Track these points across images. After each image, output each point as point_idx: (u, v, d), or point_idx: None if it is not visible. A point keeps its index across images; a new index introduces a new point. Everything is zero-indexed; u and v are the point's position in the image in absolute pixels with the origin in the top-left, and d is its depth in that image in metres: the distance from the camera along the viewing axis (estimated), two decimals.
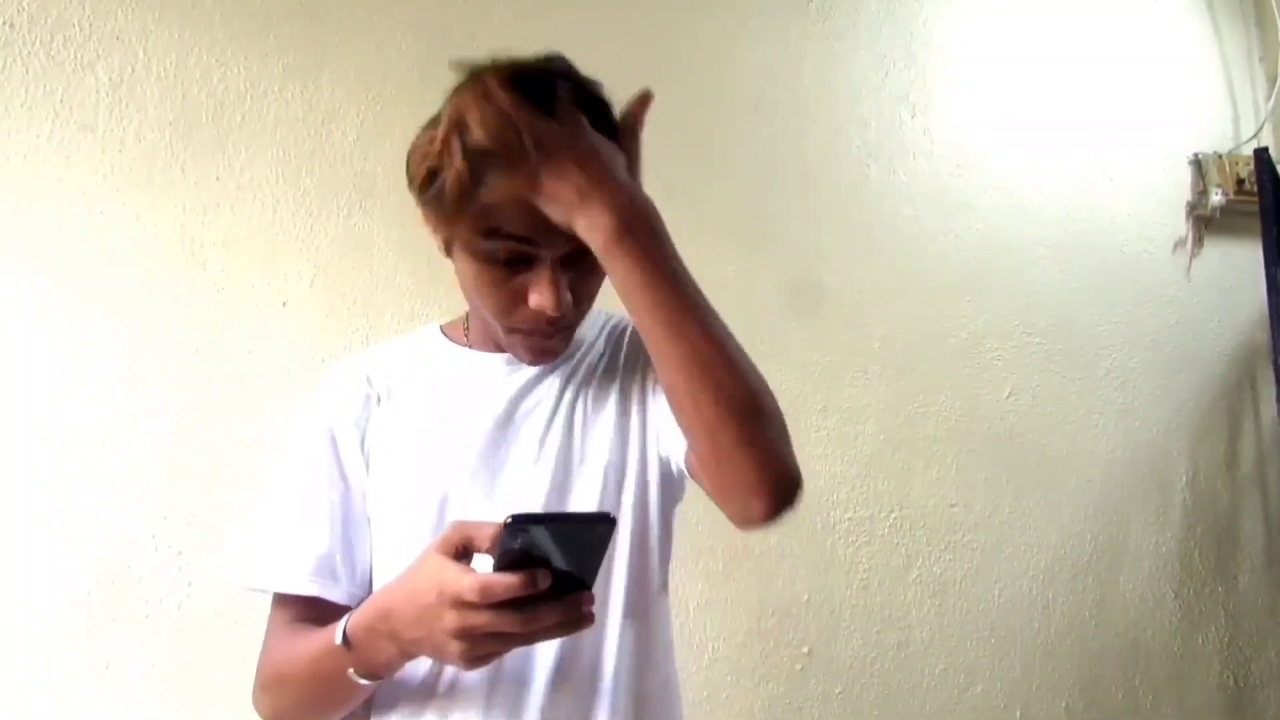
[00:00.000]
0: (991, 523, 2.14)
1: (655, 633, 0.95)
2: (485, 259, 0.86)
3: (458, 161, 0.80)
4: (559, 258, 0.85)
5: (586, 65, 0.88)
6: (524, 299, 0.87)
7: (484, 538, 0.73)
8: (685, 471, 0.92)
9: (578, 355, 1.00)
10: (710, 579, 1.83)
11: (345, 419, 0.98)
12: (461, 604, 0.71)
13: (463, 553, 0.76)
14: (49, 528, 1.48)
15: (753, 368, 0.82)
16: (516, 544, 0.68)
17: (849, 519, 1.99)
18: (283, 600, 0.95)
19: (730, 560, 1.88)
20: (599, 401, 0.97)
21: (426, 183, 0.85)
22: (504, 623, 0.71)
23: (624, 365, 1.00)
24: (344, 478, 0.96)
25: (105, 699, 1.47)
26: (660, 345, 0.81)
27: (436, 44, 1.76)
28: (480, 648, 0.74)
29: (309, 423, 1.00)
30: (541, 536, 0.69)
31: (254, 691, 0.95)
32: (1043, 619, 2.16)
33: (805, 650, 1.91)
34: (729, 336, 0.82)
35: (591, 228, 0.79)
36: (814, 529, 1.95)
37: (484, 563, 0.73)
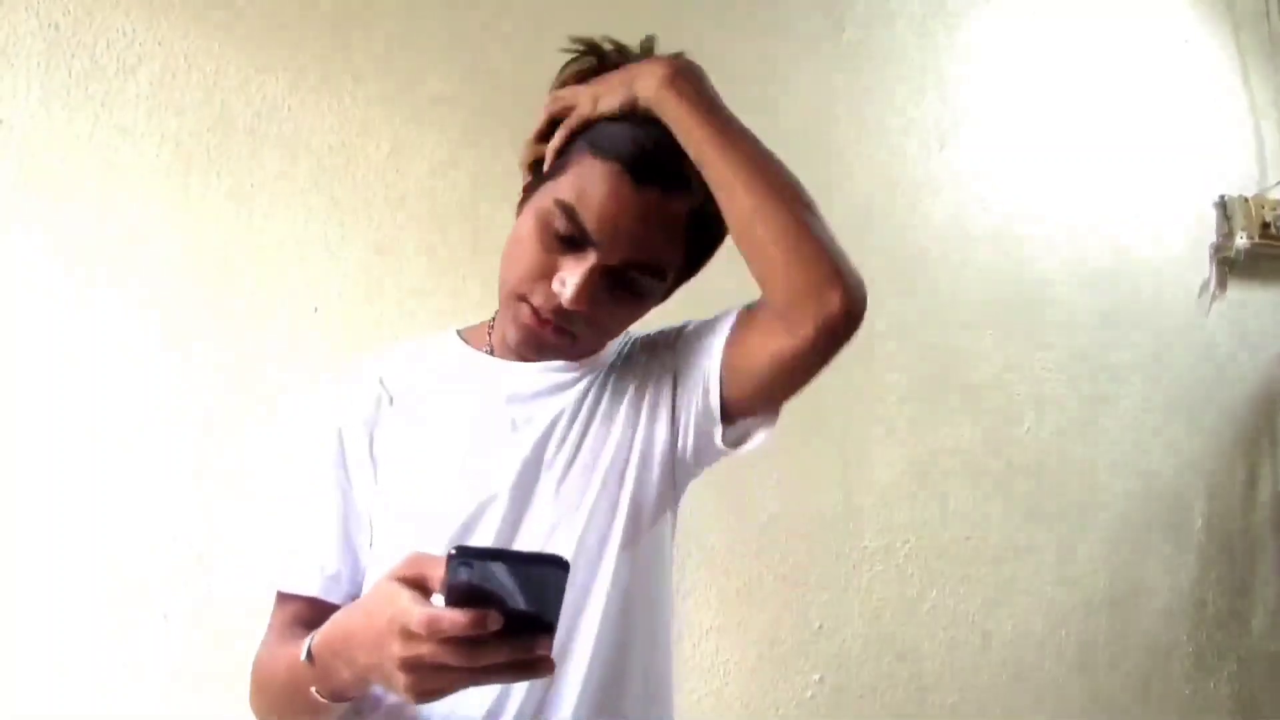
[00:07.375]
0: (1005, 557, 2.13)
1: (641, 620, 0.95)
2: (544, 222, 0.88)
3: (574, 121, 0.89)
4: (605, 266, 0.87)
5: None
6: (550, 276, 0.88)
7: (436, 577, 0.68)
8: (721, 380, 0.92)
9: (601, 374, 1.00)
10: (724, 603, 1.82)
11: (355, 419, 0.97)
12: (409, 634, 0.66)
13: (417, 586, 0.70)
14: (71, 530, 1.49)
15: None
16: (463, 578, 0.64)
17: (864, 548, 1.98)
18: (283, 599, 0.95)
19: (744, 584, 1.88)
20: (609, 413, 0.97)
21: (547, 128, 0.92)
22: (450, 656, 0.65)
23: (630, 373, 0.99)
24: (348, 478, 0.95)
25: (121, 704, 1.47)
26: (720, 169, 0.86)
27: (469, 63, 1.77)
28: (427, 682, 0.68)
29: (318, 421, 0.99)
30: (492, 572, 0.64)
31: (250, 689, 0.94)
32: (1055, 656, 2.15)
33: (817, 678, 1.90)
34: (777, 157, 0.89)
35: (645, 82, 0.86)
36: (829, 557, 1.95)
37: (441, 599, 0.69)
